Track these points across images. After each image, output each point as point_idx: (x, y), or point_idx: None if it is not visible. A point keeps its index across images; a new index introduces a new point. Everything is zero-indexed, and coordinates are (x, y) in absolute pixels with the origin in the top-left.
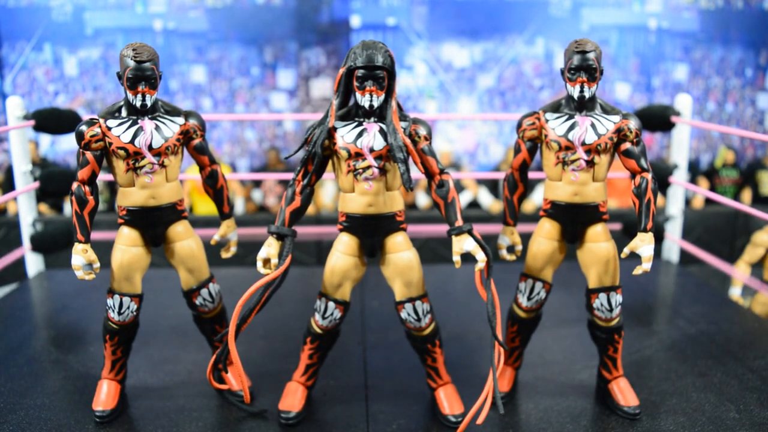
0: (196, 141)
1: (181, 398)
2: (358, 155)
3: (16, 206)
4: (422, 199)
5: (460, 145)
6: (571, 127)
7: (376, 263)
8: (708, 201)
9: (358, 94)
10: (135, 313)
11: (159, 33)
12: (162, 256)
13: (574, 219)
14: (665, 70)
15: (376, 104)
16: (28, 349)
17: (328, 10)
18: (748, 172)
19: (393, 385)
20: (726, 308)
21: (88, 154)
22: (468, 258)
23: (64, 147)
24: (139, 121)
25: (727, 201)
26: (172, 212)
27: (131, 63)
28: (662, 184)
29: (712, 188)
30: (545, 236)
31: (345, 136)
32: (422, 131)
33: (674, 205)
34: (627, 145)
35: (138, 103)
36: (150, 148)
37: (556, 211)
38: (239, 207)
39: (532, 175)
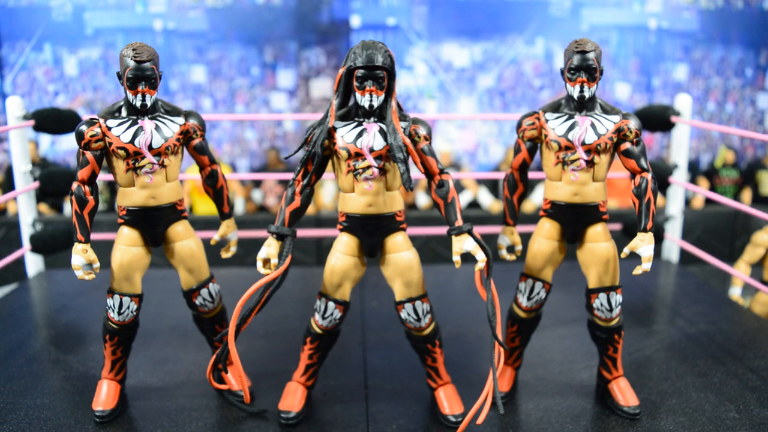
0: (196, 141)
1: (181, 398)
2: (358, 155)
3: (16, 206)
4: (422, 199)
5: (460, 145)
6: (571, 127)
7: (376, 263)
8: (708, 201)
9: (357, 94)
10: (135, 313)
11: (159, 33)
12: (162, 256)
13: (574, 219)
14: (665, 70)
15: (375, 104)
16: (28, 349)
17: (328, 10)
18: (748, 172)
19: (393, 385)
20: (726, 308)
21: (88, 154)
22: (468, 258)
23: (64, 147)
24: (139, 121)
25: (727, 201)
26: (172, 212)
27: (131, 63)
28: (662, 184)
29: (712, 188)
30: (545, 236)
31: (345, 136)
32: (422, 131)
33: (674, 205)
34: (627, 145)
35: (138, 103)
36: (150, 148)
37: (556, 211)
38: (239, 207)
39: (532, 175)
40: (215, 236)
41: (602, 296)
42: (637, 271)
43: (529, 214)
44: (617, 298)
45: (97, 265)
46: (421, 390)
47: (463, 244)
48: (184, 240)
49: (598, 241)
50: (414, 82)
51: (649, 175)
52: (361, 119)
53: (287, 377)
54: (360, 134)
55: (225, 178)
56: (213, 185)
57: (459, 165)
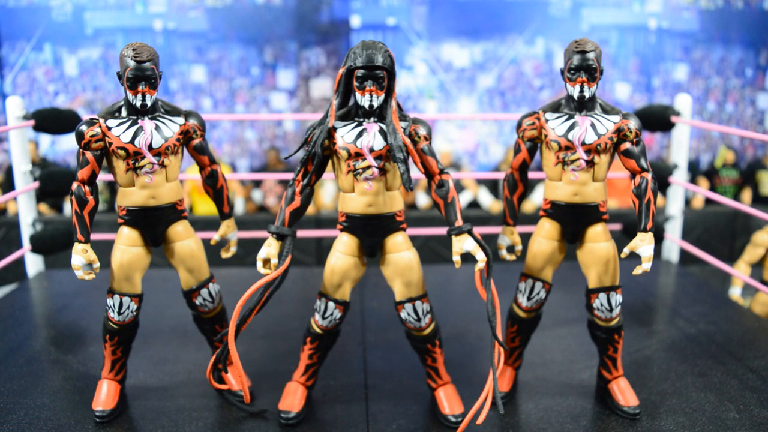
0: (196, 141)
1: (181, 398)
2: (358, 155)
3: (16, 206)
4: (422, 199)
5: (460, 145)
6: (571, 127)
7: (376, 263)
8: (708, 201)
9: (358, 94)
10: (135, 313)
11: (159, 33)
12: (162, 256)
13: (574, 219)
14: (665, 70)
15: (375, 104)
16: (28, 349)
17: (328, 10)
18: (748, 172)
19: (393, 385)
20: (726, 308)
21: (88, 154)
22: (468, 258)
23: (64, 147)
24: (139, 121)
25: (727, 201)
26: (172, 212)
27: (131, 63)
28: (662, 184)
29: (712, 188)
30: (545, 236)
31: (345, 136)
32: (422, 131)
33: (674, 205)
34: (627, 145)
35: (138, 103)
36: (150, 148)
37: (556, 211)
38: (239, 207)
39: (532, 175)
40: (215, 236)
41: (602, 296)
42: (637, 271)
43: (529, 214)
44: (617, 298)
45: (97, 265)
46: (421, 390)
47: (463, 244)
48: (184, 240)
49: (598, 241)
50: (414, 82)
51: (649, 175)
52: (361, 119)
53: (287, 377)
54: (360, 134)
55: (225, 178)
56: (213, 185)
57: (459, 165)
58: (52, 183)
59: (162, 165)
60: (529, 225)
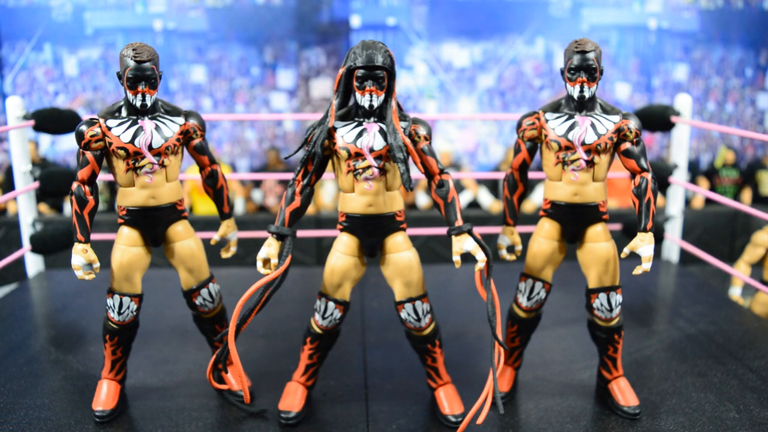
0: (196, 141)
1: (181, 398)
2: (358, 155)
3: (16, 206)
4: (422, 199)
5: (460, 145)
6: (571, 127)
7: (376, 263)
8: (708, 201)
9: (358, 94)
10: (135, 313)
11: (159, 33)
12: (162, 256)
13: (574, 219)
14: (665, 70)
15: (375, 104)
16: (28, 349)
17: (328, 10)
18: (748, 172)
19: (393, 385)
20: (726, 308)
21: (88, 154)
22: (468, 258)
23: (64, 147)
24: (139, 121)
25: (727, 201)
26: (172, 212)
27: (131, 63)
28: (662, 184)
29: (712, 188)
30: (545, 236)
31: (345, 136)
32: (422, 131)
33: (674, 205)
34: (627, 145)
35: (138, 103)
36: (150, 148)
37: (556, 211)
38: (239, 207)
39: (532, 175)
40: (215, 236)
41: (602, 296)
42: (637, 271)
43: (529, 214)
44: (617, 298)
45: (97, 265)
46: (421, 390)
47: (463, 244)
48: (184, 240)
49: (598, 241)
50: (414, 82)
51: (649, 175)
52: (361, 119)
53: (287, 377)
54: (360, 134)
55: (225, 178)
56: (213, 185)
57: (459, 165)
58: (52, 183)
59: (162, 165)
60: (529, 225)
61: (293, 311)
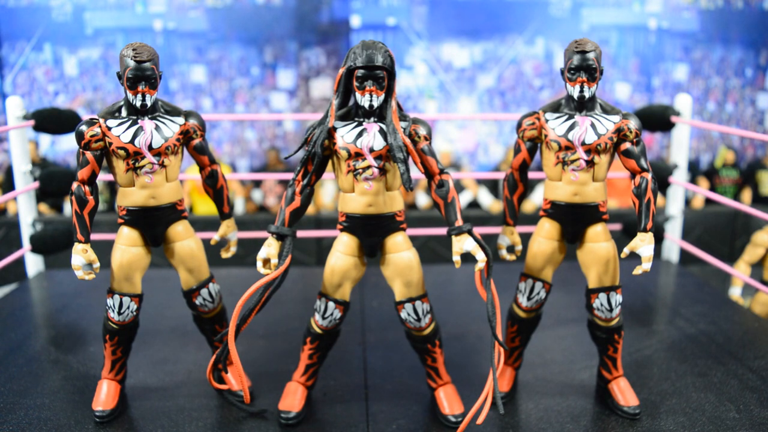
0: (196, 141)
1: (181, 398)
2: (358, 155)
3: (16, 206)
4: (422, 199)
5: (460, 145)
6: (571, 127)
7: (376, 263)
8: (708, 201)
9: (357, 94)
10: (135, 313)
11: (159, 33)
12: (162, 256)
13: (574, 219)
14: (665, 70)
15: (375, 104)
16: (28, 349)
17: (328, 10)
18: (748, 172)
19: (393, 385)
20: (726, 308)
21: (88, 154)
22: (468, 258)
23: (64, 147)
24: (139, 121)
25: (727, 201)
26: (172, 212)
27: (131, 63)
28: (662, 184)
29: (712, 188)
30: (545, 236)
31: (345, 136)
32: (422, 131)
33: (674, 205)
34: (627, 145)
35: (138, 103)
36: (150, 148)
37: (556, 211)
38: (239, 207)
39: (532, 175)
40: (215, 236)
41: (602, 296)
42: (637, 271)
43: (529, 214)
44: (617, 298)
45: (97, 265)
46: (421, 390)
47: (463, 244)
48: (184, 240)
49: (598, 241)
50: (414, 82)
51: (649, 175)
52: (361, 119)
53: (287, 377)
54: (360, 134)
55: (225, 178)
56: (213, 185)
57: (459, 165)
58: (52, 183)
59: (162, 165)
60: (530, 225)
61: (293, 311)
